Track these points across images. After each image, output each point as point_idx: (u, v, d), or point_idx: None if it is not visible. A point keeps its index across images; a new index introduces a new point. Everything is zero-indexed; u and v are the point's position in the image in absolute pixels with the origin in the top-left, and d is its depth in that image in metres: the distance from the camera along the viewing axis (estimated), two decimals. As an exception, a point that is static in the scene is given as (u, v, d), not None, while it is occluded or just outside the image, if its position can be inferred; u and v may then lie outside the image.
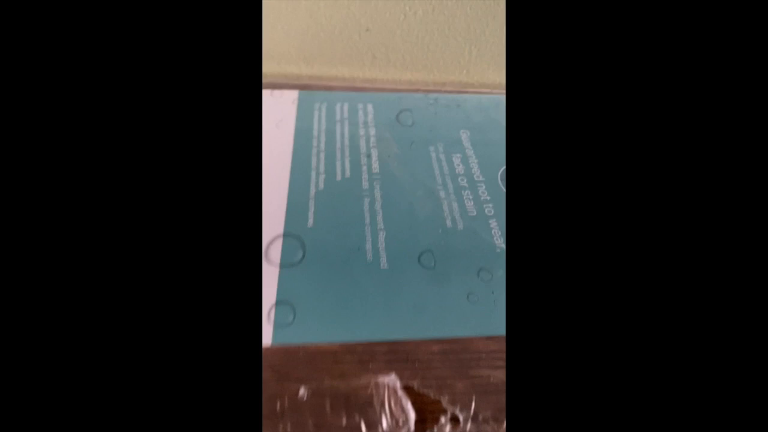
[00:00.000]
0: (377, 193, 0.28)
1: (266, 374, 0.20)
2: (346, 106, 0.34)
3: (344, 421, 0.19)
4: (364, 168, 0.29)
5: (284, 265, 0.24)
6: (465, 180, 0.29)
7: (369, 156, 0.30)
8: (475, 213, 0.27)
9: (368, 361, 0.20)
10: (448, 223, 0.27)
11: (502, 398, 0.20)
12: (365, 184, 0.28)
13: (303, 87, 0.35)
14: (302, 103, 0.33)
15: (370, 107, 0.34)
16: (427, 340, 0.21)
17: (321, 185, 0.28)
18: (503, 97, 0.36)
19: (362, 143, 0.31)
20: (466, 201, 0.28)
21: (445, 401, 0.19)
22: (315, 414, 0.19)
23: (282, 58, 0.36)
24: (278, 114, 0.32)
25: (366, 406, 0.19)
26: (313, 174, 0.29)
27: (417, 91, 0.36)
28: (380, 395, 0.19)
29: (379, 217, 0.26)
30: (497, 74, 0.38)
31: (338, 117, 0.33)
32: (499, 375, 0.20)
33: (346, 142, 0.31)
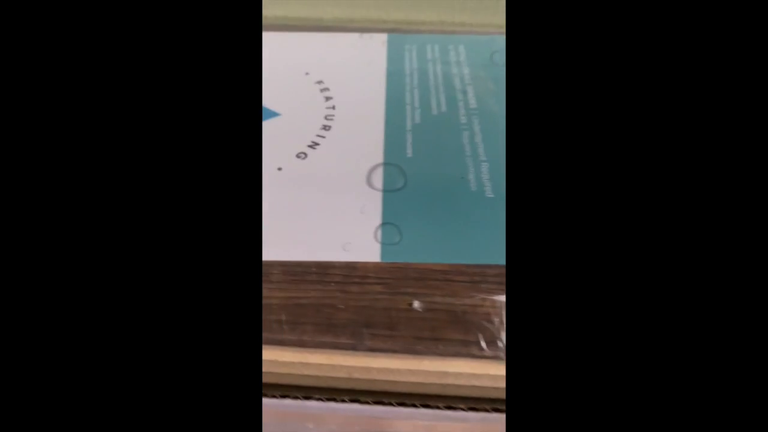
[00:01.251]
0: (476, 127, 0.27)
1: (377, 288, 0.19)
2: (437, 47, 0.33)
3: (461, 335, 0.18)
4: (461, 104, 0.28)
5: (387, 190, 0.23)
6: (568, 117, 0.28)
7: (465, 92, 0.29)
8: (581, 148, 0.26)
9: (480, 282, 0.20)
10: (553, 156, 0.25)
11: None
12: (463, 119, 0.27)
13: (392, 31, 0.34)
14: (392, 45, 0.33)
15: (461, 48, 0.33)
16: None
17: (417, 119, 0.27)
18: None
19: (456, 81, 0.30)
20: (570, 137, 0.26)
21: (565, 323, 0.18)
22: (431, 327, 0.18)
23: (371, 2, 0.35)
24: (369, 55, 0.32)
25: (483, 322, 0.18)
26: (408, 108, 0.28)
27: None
28: (498, 314, 0.18)
29: (480, 150, 0.25)
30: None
31: (429, 57, 0.32)
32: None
33: (440, 79, 0.30)
